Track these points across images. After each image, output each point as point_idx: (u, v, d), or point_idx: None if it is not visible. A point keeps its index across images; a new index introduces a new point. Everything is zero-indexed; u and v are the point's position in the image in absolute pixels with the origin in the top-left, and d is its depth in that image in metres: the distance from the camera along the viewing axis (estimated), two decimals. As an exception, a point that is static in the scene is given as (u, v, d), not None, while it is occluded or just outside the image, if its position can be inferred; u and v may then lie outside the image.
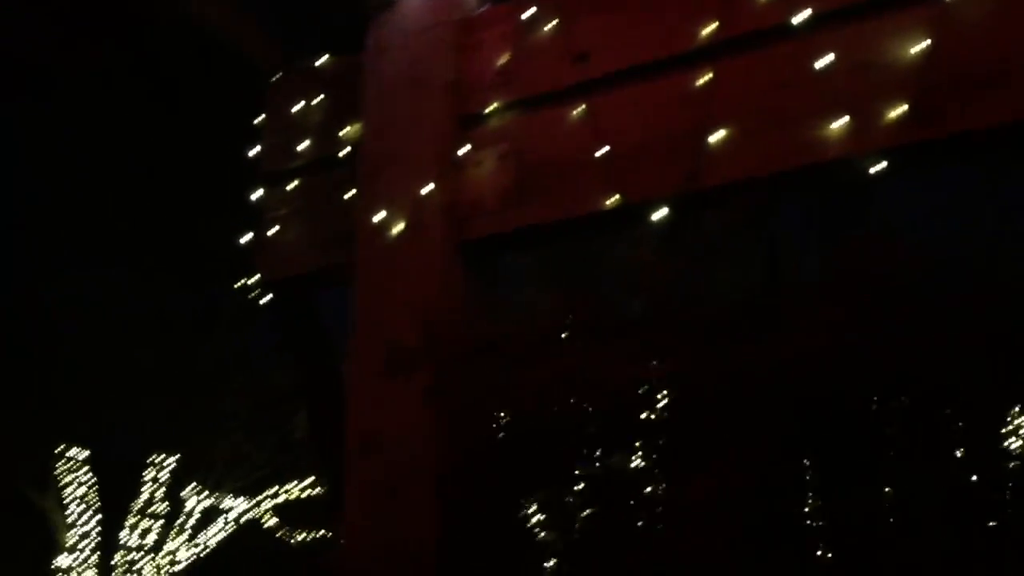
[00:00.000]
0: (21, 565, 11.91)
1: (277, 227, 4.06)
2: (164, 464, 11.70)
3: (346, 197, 3.84)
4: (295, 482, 12.49)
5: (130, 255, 9.27)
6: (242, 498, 12.47)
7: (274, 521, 12.93)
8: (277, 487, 12.42)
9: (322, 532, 15.49)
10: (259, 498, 12.53)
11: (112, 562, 11.56)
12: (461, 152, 3.55)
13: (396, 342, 3.35)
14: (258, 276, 4.08)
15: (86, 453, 11.48)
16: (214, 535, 12.28)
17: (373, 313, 3.52)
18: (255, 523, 12.78)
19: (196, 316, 11.19)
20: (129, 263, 10.28)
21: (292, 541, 13.96)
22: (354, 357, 3.52)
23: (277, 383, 10.56)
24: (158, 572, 11.79)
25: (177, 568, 11.99)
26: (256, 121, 4.27)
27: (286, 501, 12.68)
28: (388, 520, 3.24)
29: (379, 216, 3.56)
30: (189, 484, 12.00)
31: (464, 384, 2.99)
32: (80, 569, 11.30)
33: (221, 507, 12.34)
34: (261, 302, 4.08)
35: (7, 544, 11.92)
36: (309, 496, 12.54)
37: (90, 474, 11.48)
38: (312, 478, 12.34)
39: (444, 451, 3.13)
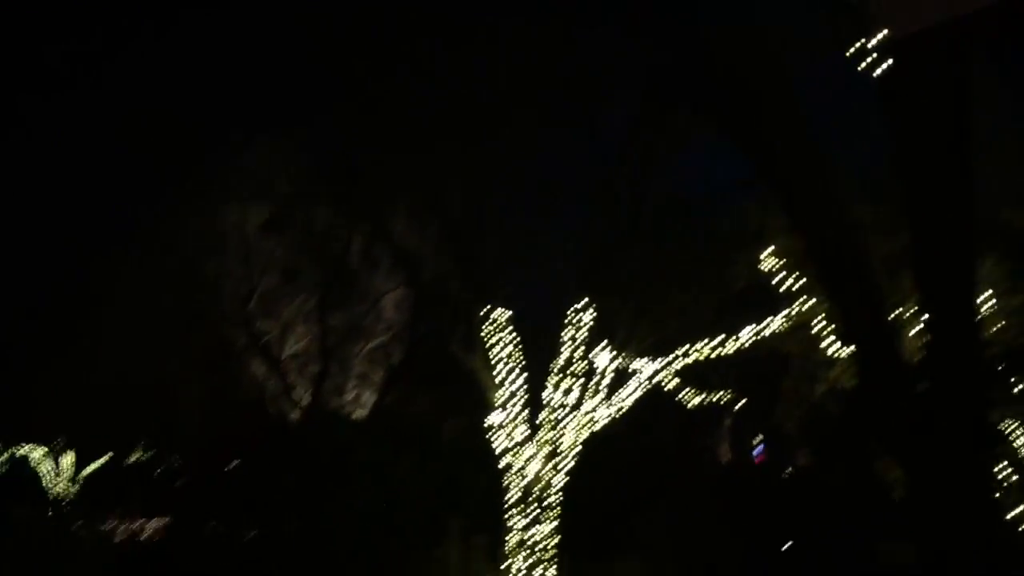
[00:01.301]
0: (458, 423, 12.28)
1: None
2: (581, 324, 11.51)
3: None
4: (707, 340, 11.93)
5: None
6: (649, 358, 12.12)
7: (676, 382, 12.49)
8: (690, 345, 11.90)
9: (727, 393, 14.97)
10: (670, 357, 12.13)
11: (538, 420, 11.65)
12: None
13: None
14: (868, 39, 3.25)
15: (509, 313, 11.49)
16: (629, 395, 12.08)
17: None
18: (665, 384, 12.45)
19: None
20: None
21: (695, 403, 13.56)
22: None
23: (718, 229, 9.77)
24: (579, 430, 11.77)
25: (596, 427, 11.93)
26: None
27: (695, 361, 12.18)
28: None
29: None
30: (602, 343, 11.79)
31: None
32: (510, 426, 11.47)
33: (633, 367, 12.08)
34: (876, 72, 3.25)
35: (444, 404, 12.35)
36: (723, 355, 11.98)
37: (514, 334, 11.51)
38: (720, 337, 11.74)
39: None
